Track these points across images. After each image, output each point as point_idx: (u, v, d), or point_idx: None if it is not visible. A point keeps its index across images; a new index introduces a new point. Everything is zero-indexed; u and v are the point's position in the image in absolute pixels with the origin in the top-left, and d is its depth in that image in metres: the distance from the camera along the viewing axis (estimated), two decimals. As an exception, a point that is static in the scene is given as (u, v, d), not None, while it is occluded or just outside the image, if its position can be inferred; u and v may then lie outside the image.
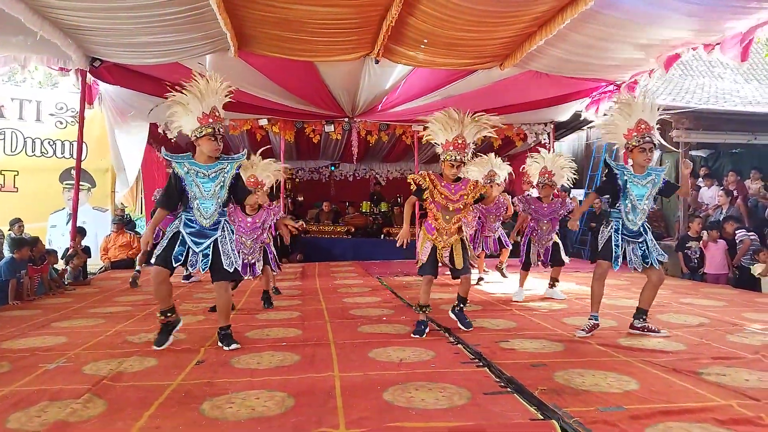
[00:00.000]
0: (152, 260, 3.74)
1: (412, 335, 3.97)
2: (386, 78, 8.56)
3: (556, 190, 5.90)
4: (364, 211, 13.25)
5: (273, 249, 5.58)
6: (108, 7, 5.70)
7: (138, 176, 10.07)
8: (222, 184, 3.68)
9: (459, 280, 4.26)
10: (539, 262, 5.73)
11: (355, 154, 11.00)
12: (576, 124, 11.21)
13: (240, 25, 6.23)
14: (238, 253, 4.24)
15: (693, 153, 10.68)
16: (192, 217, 3.66)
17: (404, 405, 2.57)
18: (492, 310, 5.11)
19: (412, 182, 4.12)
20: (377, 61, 7.37)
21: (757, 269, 7.01)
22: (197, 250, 3.63)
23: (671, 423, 2.32)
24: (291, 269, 8.81)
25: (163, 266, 3.62)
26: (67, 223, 9.63)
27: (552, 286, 5.74)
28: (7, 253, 6.45)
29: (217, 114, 3.64)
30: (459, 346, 3.71)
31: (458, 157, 3.98)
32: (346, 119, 10.32)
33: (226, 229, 3.74)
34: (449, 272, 4.32)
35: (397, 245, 4.07)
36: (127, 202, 10.57)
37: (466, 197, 4.09)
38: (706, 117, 9.74)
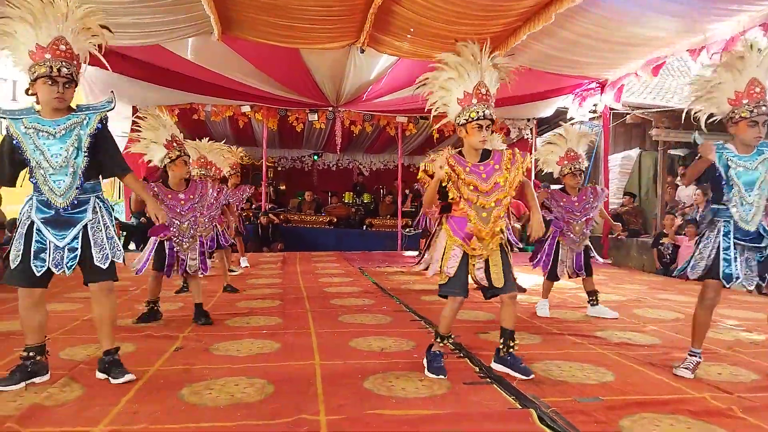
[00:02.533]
0: (6, 272, 2.68)
1: (426, 372, 2.87)
2: (371, 68, 8.54)
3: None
4: (346, 201, 13.24)
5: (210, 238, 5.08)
6: (89, -14, 5.56)
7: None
8: (77, 146, 2.62)
9: (499, 301, 2.95)
10: (569, 272, 4.53)
11: (339, 143, 10.97)
12: (558, 120, 11.31)
13: (224, 8, 6.14)
14: (175, 243, 3.87)
15: (671, 152, 10.87)
16: (44, 198, 2.63)
17: (385, 393, 2.58)
18: (471, 301, 5.13)
19: (424, 175, 3.17)
20: (362, 50, 7.33)
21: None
22: (60, 244, 2.62)
23: (646, 414, 2.37)
24: (272, 258, 8.76)
25: (25, 285, 2.61)
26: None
27: (594, 302, 4.54)
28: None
29: (61, 48, 2.58)
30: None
31: (487, 112, 2.76)
32: (330, 108, 10.28)
33: (99, 209, 2.73)
34: (481, 291, 3.07)
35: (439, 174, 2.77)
36: (105, 187, 10.38)
37: (505, 178, 2.82)
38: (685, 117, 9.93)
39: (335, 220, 11.98)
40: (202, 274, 4.10)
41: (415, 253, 9.74)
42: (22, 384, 2.62)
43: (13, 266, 2.61)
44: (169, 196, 3.88)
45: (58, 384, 2.63)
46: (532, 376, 2.79)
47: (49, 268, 2.61)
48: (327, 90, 9.48)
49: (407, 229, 11.27)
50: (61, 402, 2.43)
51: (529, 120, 11.15)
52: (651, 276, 7.46)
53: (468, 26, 6.50)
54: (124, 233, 10.03)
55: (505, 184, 2.82)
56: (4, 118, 2.66)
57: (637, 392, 2.65)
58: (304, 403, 2.44)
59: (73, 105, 2.72)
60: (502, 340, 2.92)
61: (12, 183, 2.73)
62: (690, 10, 5.76)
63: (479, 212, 2.81)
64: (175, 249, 3.89)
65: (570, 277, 4.62)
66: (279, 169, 14.42)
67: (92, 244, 2.68)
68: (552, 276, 4.58)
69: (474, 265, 2.89)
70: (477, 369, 2.99)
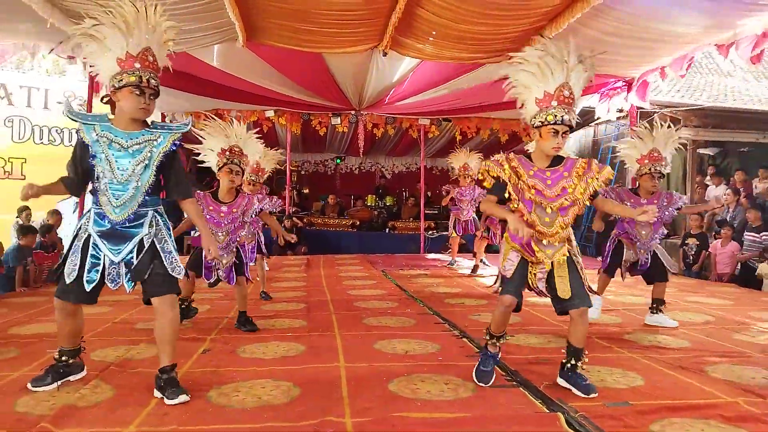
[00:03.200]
0: (59, 285, 2.63)
1: (474, 378, 2.78)
2: (394, 71, 8.55)
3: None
4: (369, 204, 13.27)
5: (258, 240, 5.15)
6: (117, -4, 5.69)
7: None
8: (147, 163, 2.56)
9: (567, 315, 2.73)
10: (628, 272, 4.27)
11: (361, 147, 11.01)
12: (584, 120, 11.16)
13: (249, 15, 6.22)
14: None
15: (701, 151, 10.64)
16: (102, 210, 2.58)
17: (409, 396, 2.58)
18: (495, 304, 5.10)
19: (486, 174, 2.74)
20: (385, 54, 7.35)
21: (764, 269, 6.98)
22: (116, 259, 2.55)
23: (676, 419, 2.32)
24: (295, 261, 8.83)
25: (72, 301, 2.60)
26: (73, 211, 9.66)
27: (656, 310, 4.24)
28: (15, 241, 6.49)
29: (150, 59, 2.57)
30: (464, 339, 3.72)
31: (566, 117, 2.56)
32: (353, 112, 10.32)
33: (156, 223, 2.63)
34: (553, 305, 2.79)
35: (519, 236, 2.54)
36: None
37: (574, 188, 2.64)
38: (715, 115, 9.70)
39: (358, 223, 12.01)
40: (246, 280, 4.06)
41: (441, 255, 9.73)
42: (55, 385, 2.63)
43: (69, 281, 2.53)
44: (211, 208, 3.82)
45: (90, 385, 2.69)
46: (595, 395, 2.57)
47: (98, 283, 2.56)
48: (350, 93, 9.52)
49: (430, 232, 11.24)
50: (93, 403, 2.48)
51: (553, 121, 11.03)
52: (680, 278, 7.30)
53: (491, 26, 6.47)
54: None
55: (573, 191, 2.64)
56: (76, 121, 2.60)
57: (667, 396, 2.60)
58: (330, 405, 2.45)
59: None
60: (567, 357, 2.72)
61: (78, 192, 2.75)
62: (719, 5, 5.63)
63: (541, 217, 2.65)
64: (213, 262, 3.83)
65: (631, 275, 4.31)
66: (302, 173, 14.52)
67: (160, 252, 2.59)
68: (610, 270, 4.31)
69: (535, 274, 2.70)
70: (503, 372, 2.96)
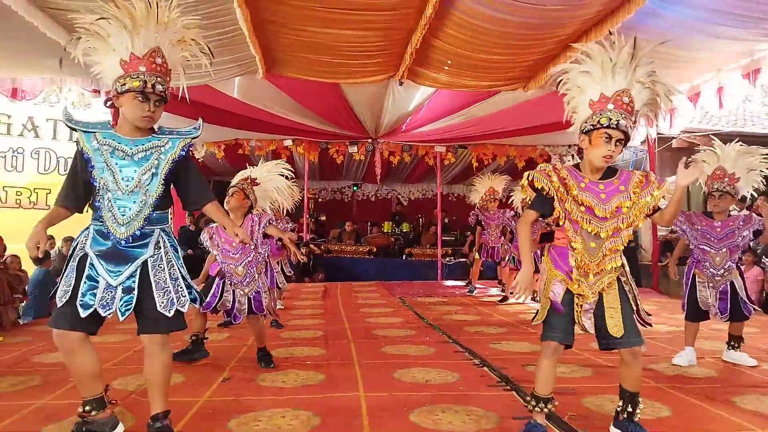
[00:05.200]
0: (54, 312, 2.31)
1: None
2: (410, 99, 8.65)
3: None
4: (385, 231, 13.30)
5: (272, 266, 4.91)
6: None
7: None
8: (154, 171, 2.30)
9: (609, 350, 2.42)
10: (716, 313, 3.79)
11: (378, 174, 11.09)
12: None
13: (269, 48, 6.38)
14: (233, 286, 3.60)
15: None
16: (103, 228, 2.30)
17: (431, 427, 2.55)
18: (516, 332, 5.05)
19: (527, 186, 2.38)
20: (401, 83, 7.46)
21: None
22: (113, 282, 2.23)
23: (707, 452, 2.26)
24: (313, 288, 8.84)
25: (66, 327, 2.22)
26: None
27: (733, 346, 3.88)
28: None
29: (158, 62, 2.30)
30: (485, 368, 3.67)
31: (622, 122, 2.23)
32: (370, 140, 10.43)
33: (163, 244, 2.34)
34: (596, 339, 2.42)
35: (516, 297, 2.51)
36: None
37: (632, 205, 2.29)
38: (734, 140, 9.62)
39: (375, 249, 12.02)
40: (263, 315, 3.84)
41: (459, 282, 9.66)
42: None
43: (59, 304, 2.22)
44: (223, 239, 3.68)
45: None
46: None
47: (96, 310, 2.20)
48: (366, 122, 9.64)
49: (447, 258, 11.19)
50: (116, 431, 2.49)
51: (570, 146, 11.01)
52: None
53: (507, 55, 6.54)
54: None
55: (628, 213, 2.27)
56: (75, 129, 2.35)
57: (696, 428, 2.54)
58: (351, 435, 2.43)
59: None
60: (621, 403, 2.39)
61: (81, 208, 2.40)
62: (742, 31, 5.62)
63: (587, 241, 2.29)
64: (232, 290, 3.67)
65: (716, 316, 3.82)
66: (320, 200, 14.64)
67: (153, 286, 2.25)
68: (691, 315, 3.88)
69: (582, 306, 2.31)
70: (525, 403, 2.92)
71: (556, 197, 2.32)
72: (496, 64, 6.81)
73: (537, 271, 2.45)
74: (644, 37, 6.08)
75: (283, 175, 4.47)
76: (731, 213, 3.84)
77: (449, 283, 9.99)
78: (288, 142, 10.23)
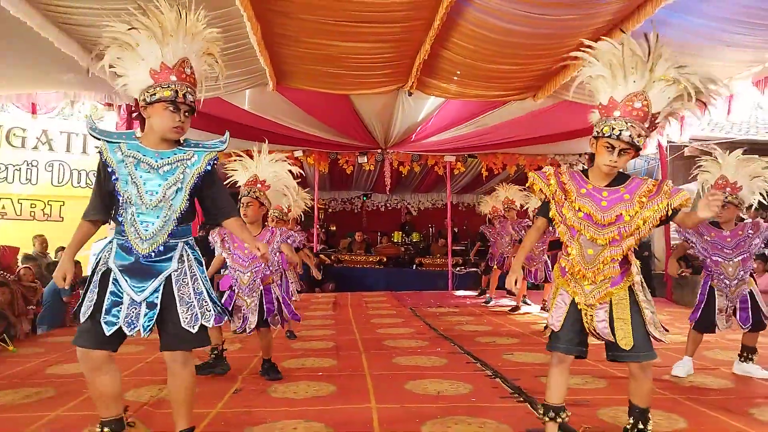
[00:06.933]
0: (77, 329, 2.24)
1: None
2: (419, 109, 8.68)
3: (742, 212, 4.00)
4: (395, 241, 13.29)
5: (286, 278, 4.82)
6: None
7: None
8: (180, 185, 2.24)
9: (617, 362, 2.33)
10: (729, 325, 3.74)
11: (388, 184, 11.10)
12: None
13: (279, 61, 6.44)
14: (238, 296, 3.55)
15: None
16: (126, 242, 2.23)
17: (444, 439, 2.54)
18: (529, 342, 5.01)
19: (533, 189, 2.39)
20: (410, 93, 7.49)
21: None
22: (138, 298, 2.17)
23: (724, 465, 2.23)
24: (323, 299, 8.84)
25: (90, 346, 2.16)
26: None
27: (746, 358, 3.83)
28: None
29: (188, 72, 2.24)
30: (497, 380, 3.64)
31: (625, 133, 2.13)
32: (379, 150, 10.47)
33: (186, 258, 2.28)
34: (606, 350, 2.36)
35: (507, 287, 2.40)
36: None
37: (635, 213, 2.20)
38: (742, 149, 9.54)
39: (385, 259, 12.01)
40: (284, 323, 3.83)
41: (470, 292, 9.62)
42: None
43: (83, 319, 2.17)
44: (235, 244, 3.61)
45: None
46: None
47: (121, 327, 2.15)
48: (376, 133, 9.68)
49: (458, 268, 11.16)
50: (129, 443, 2.49)
51: (580, 155, 10.97)
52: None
53: (517, 65, 6.55)
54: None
55: (630, 221, 2.18)
56: (99, 139, 2.26)
57: (713, 441, 2.50)
58: (363, 448, 2.42)
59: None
60: (631, 420, 2.31)
61: (105, 220, 2.34)
62: (753, 39, 5.59)
63: (585, 247, 2.22)
64: (237, 303, 3.63)
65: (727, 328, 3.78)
66: (330, 210, 14.68)
67: (177, 301, 2.19)
68: (702, 326, 3.80)
69: (592, 315, 2.24)
70: (539, 415, 2.89)
71: (552, 201, 2.30)
72: (505, 74, 6.82)
73: (547, 280, 2.37)
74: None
75: (290, 171, 4.34)
76: (737, 222, 3.81)
77: (460, 293, 9.95)
78: (298, 153, 10.28)
